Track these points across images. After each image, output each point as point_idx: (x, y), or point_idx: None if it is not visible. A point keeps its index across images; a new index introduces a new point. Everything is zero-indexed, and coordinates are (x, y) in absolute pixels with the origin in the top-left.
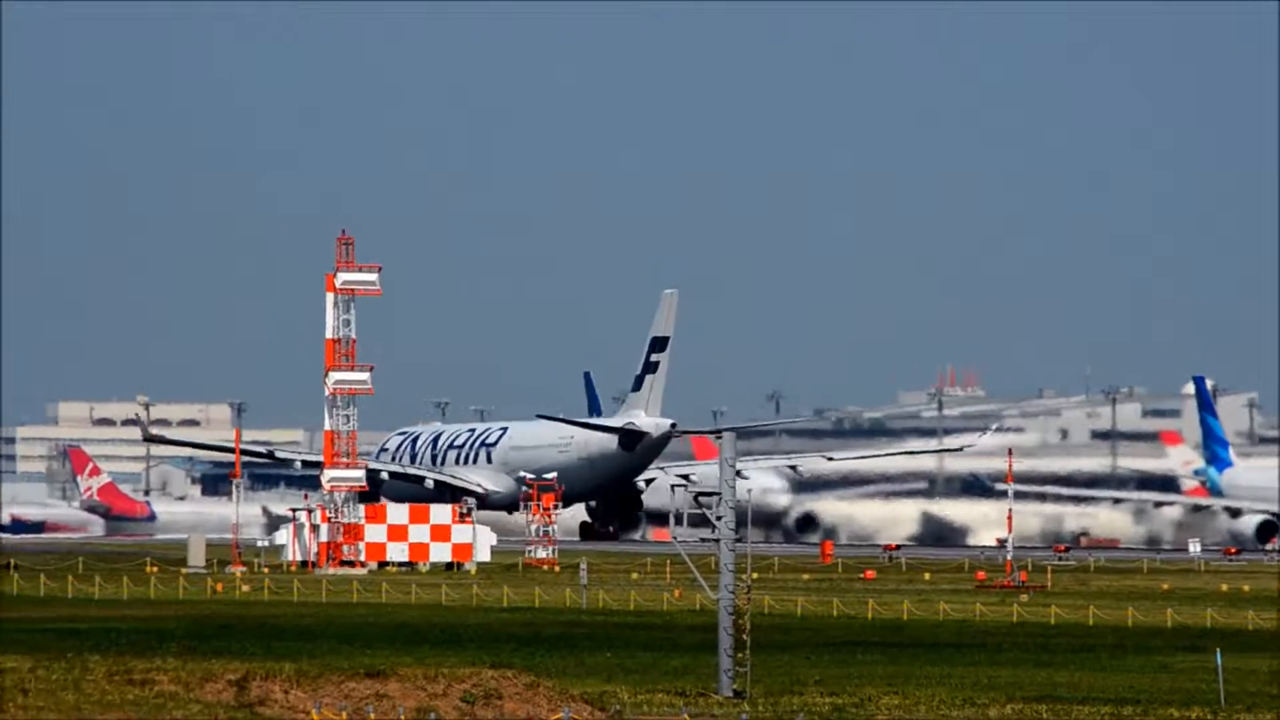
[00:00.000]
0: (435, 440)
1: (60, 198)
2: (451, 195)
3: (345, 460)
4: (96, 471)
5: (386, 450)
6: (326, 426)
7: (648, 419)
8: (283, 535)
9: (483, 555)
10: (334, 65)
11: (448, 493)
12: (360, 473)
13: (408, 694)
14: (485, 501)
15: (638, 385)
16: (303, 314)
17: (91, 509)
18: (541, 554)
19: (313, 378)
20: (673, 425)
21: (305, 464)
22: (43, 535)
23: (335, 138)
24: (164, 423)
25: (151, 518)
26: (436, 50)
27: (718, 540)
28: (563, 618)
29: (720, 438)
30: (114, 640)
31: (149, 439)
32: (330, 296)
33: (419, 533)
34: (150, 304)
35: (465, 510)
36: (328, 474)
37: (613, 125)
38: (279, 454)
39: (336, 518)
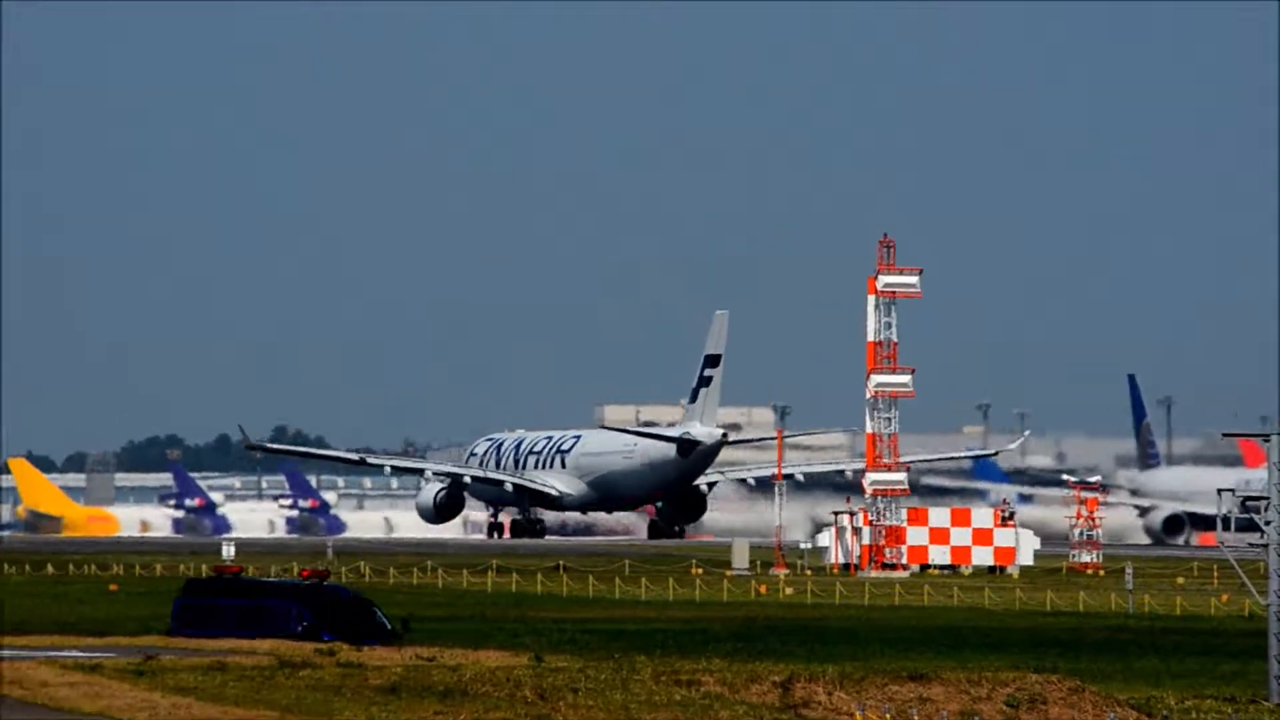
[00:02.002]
0: (518, 446)
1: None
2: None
3: (888, 463)
4: None
5: (475, 455)
6: (868, 429)
7: (702, 428)
8: (825, 538)
9: (1025, 559)
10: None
11: (526, 495)
12: (903, 476)
13: (951, 698)
14: (559, 503)
15: (693, 398)
16: (844, 316)
17: (639, 512)
18: (1085, 558)
19: (855, 380)
20: (724, 435)
21: (395, 469)
22: (591, 538)
23: (879, 142)
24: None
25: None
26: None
27: (1265, 545)
28: (1108, 622)
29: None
30: (660, 641)
31: (250, 448)
32: (871, 299)
33: (961, 536)
34: (685, 308)
35: (1008, 514)
36: (870, 477)
37: None
38: (370, 460)
39: (878, 521)
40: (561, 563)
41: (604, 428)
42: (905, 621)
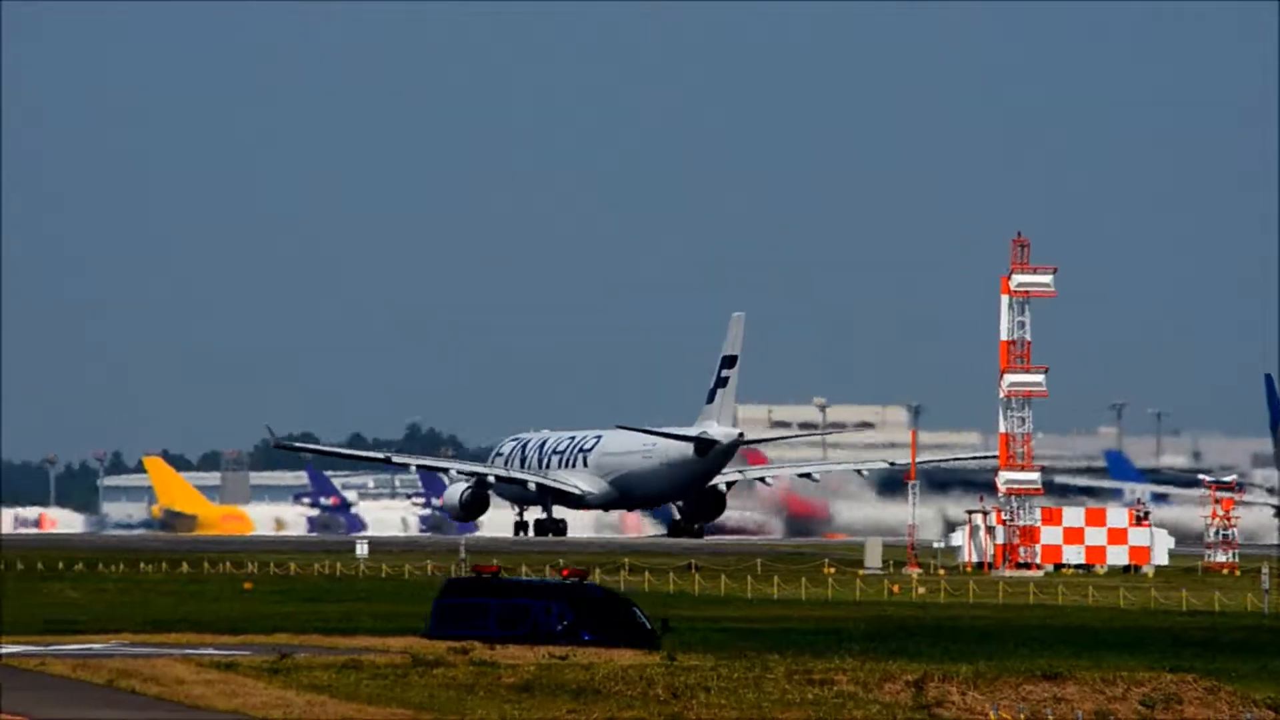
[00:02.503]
0: (541, 446)
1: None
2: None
3: (1021, 462)
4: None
5: (500, 455)
6: (1001, 429)
7: (719, 429)
8: (958, 537)
9: (1160, 558)
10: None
11: (549, 494)
12: (1036, 475)
13: (1085, 697)
14: (582, 502)
15: (710, 398)
16: (978, 315)
17: (773, 510)
18: (1221, 558)
19: (988, 380)
20: (740, 435)
21: (420, 468)
22: (726, 536)
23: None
24: (839, 425)
25: (829, 519)
26: None
27: None
28: (1243, 622)
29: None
30: (792, 640)
31: (278, 445)
32: (1005, 298)
33: (1095, 535)
34: (832, 306)
35: (1142, 514)
36: (1003, 476)
37: None
38: (395, 459)
39: (1012, 520)
40: (694, 561)
41: (621, 427)
42: (1039, 621)
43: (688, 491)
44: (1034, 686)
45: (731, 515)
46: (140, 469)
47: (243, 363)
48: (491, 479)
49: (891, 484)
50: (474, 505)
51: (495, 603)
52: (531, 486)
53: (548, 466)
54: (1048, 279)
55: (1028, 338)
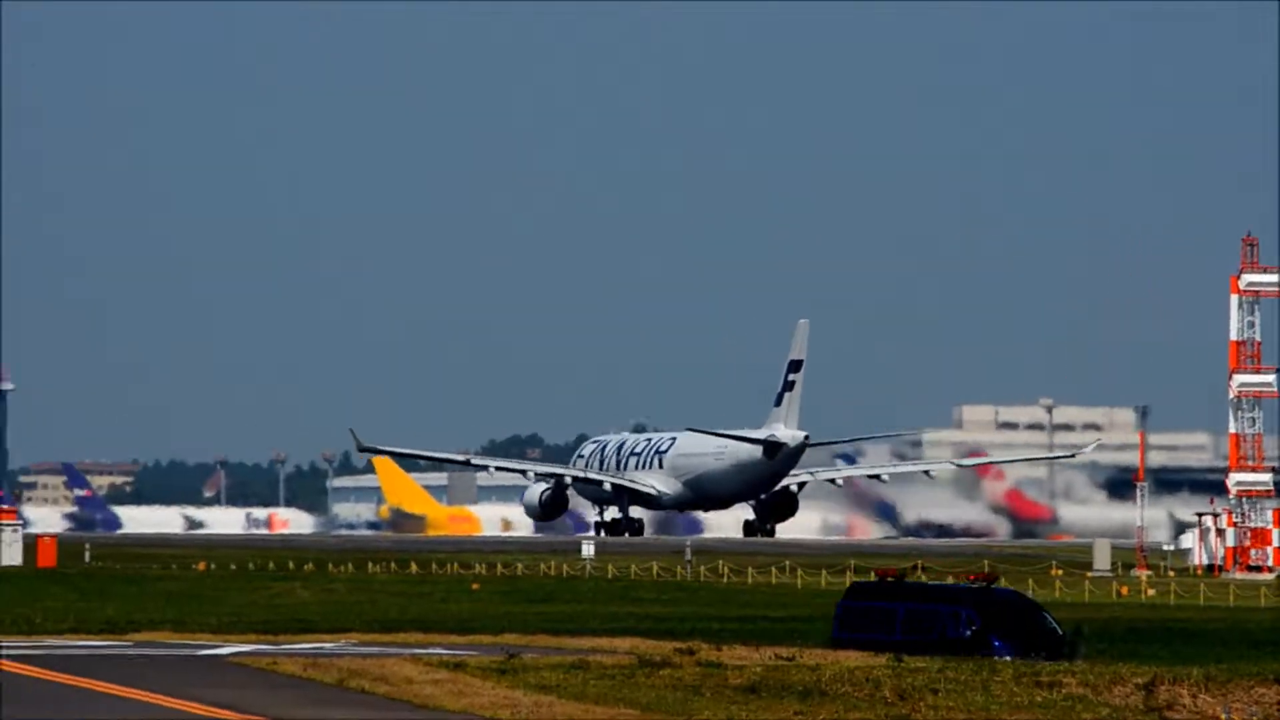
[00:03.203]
0: (620, 448)
1: None
2: None
3: (1252, 464)
4: (1000, 475)
5: (582, 456)
6: (1231, 429)
7: (786, 431)
8: (1188, 539)
9: None
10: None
11: (625, 494)
12: (1267, 477)
13: None
14: (658, 502)
15: (778, 402)
16: (1208, 316)
17: (997, 511)
18: None
19: (1217, 381)
20: (806, 437)
21: (500, 469)
22: (951, 539)
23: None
24: (1067, 427)
25: (1054, 521)
26: None
27: None
28: None
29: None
30: None
31: (362, 449)
32: (1234, 298)
33: None
34: (1049, 307)
35: None
36: (1234, 478)
37: None
38: (474, 460)
39: (1243, 522)
40: (919, 562)
41: (692, 430)
42: (1271, 624)
43: (757, 492)
44: (1267, 690)
45: (956, 516)
46: (369, 469)
47: (471, 362)
48: (568, 480)
49: (1119, 485)
50: (553, 506)
51: (901, 607)
52: (607, 487)
53: (625, 468)
54: (1275, 279)
55: (1258, 338)
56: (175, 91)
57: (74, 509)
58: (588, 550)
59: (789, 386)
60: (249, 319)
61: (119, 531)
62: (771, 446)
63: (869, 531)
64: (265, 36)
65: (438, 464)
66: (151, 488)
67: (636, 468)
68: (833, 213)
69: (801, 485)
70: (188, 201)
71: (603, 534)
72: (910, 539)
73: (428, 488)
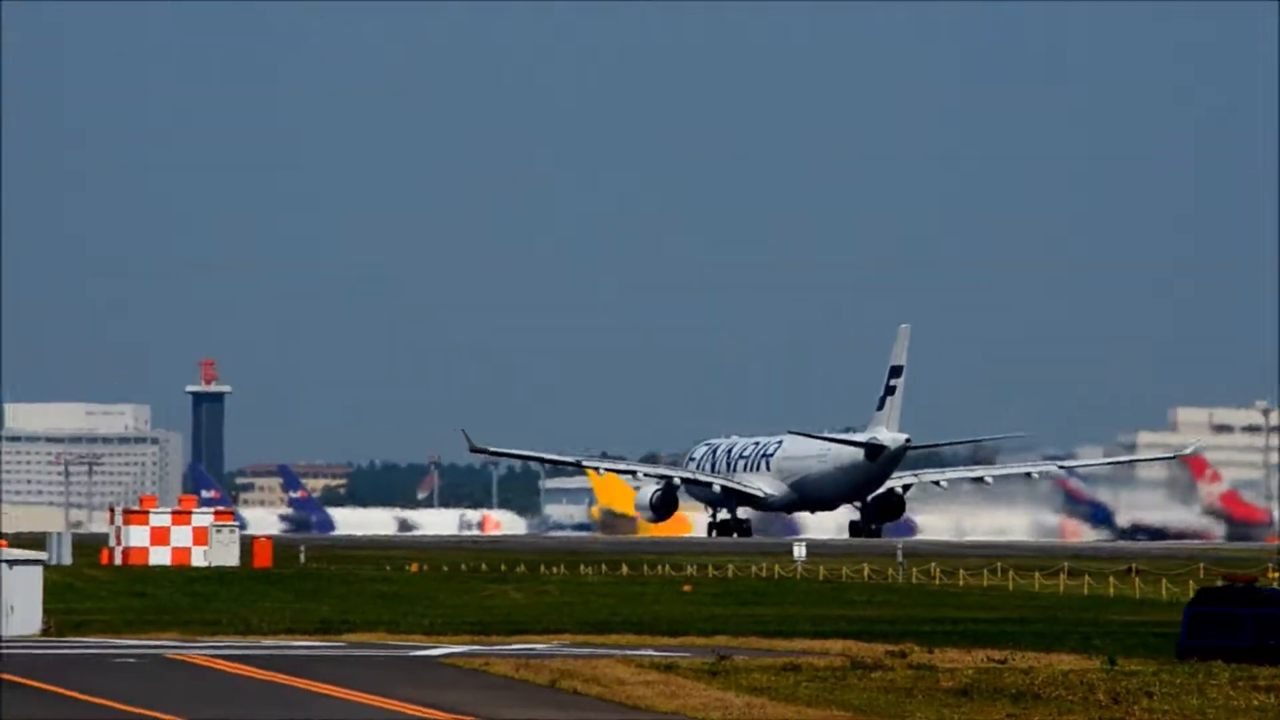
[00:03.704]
0: (729, 451)
1: None
2: None
3: None
4: (1216, 478)
5: (693, 459)
6: None
7: (888, 434)
8: None
9: None
10: None
11: (733, 496)
12: None
13: None
14: (765, 504)
15: (880, 405)
16: None
17: (1212, 514)
18: None
19: None
20: (907, 440)
21: (609, 472)
22: (1165, 542)
23: None
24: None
25: (1271, 523)
26: None
27: None
28: None
29: None
30: None
31: (474, 450)
32: None
33: None
34: (1266, 308)
35: None
36: None
37: None
38: (585, 463)
39: None
40: (1133, 565)
41: (793, 433)
42: None
43: (861, 493)
44: None
45: (1170, 518)
46: (580, 471)
47: (681, 364)
48: (677, 481)
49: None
50: (663, 506)
51: (1252, 612)
52: (716, 488)
53: (734, 470)
54: None
55: None
56: (190, 92)
57: (289, 510)
58: (799, 552)
59: (890, 391)
60: (459, 324)
61: (333, 533)
62: (873, 449)
63: (1081, 534)
64: (283, 36)
65: (552, 465)
66: (365, 489)
67: (745, 470)
68: (1000, 208)
69: (906, 487)
70: (402, 214)
71: (713, 534)
72: (1123, 541)
73: (639, 489)
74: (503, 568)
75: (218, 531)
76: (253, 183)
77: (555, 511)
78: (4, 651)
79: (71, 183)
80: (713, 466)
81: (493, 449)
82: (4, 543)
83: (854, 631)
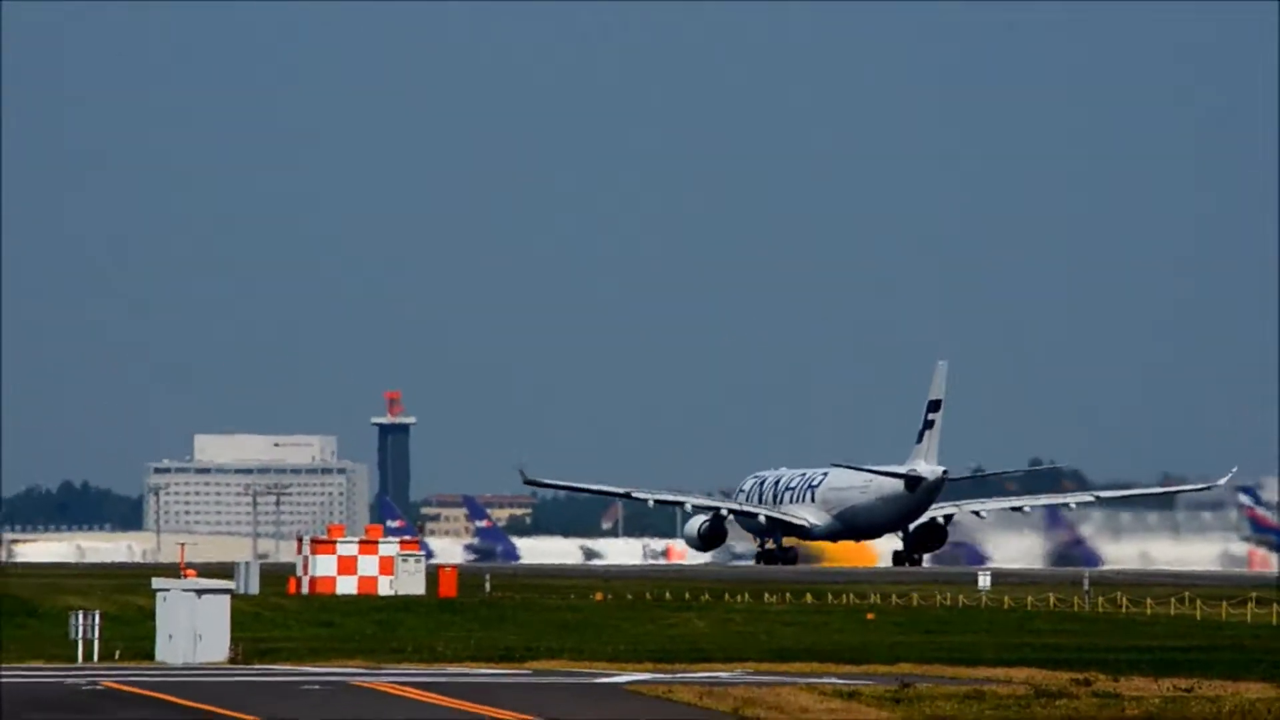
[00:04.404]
0: (777, 483)
1: None
2: None
3: None
4: None
5: (743, 491)
6: None
7: (926, 466)
8: None
9: None
10: None
11: (778, 526)
12: None
13: None
14: (809, 533)
15: (920, 439)
16: None
17: None
18: None
19: None
20: (944, 472)
21: (658, 503)
22: None
23: None
24: None
25: None
26: None
27: None
28: None
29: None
30: None
31: (527, 482)
32: None
33: None
34: None
35: None
36: None
37: None
38: (635, 494)
39: None
40: None
41: (836, 465)
42: None
43: (901, 523)
44: None
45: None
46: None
47: (848, 391)
48: (724, 512)
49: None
50: (711, 537)
51: None
52: (762, 519)
53: (781, 501)
54: None
55: None
56: (204, 92)
57: (474, 540)
58: (984, 581)
59: (929, 425)
60: (650, 359)
61: (517, 562)
62: (912, 480)
63: (1270, 564)
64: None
65: (602, 495)
66: (549, 519)
67: (791, 501)
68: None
69: (948, 517)
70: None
71: (760, 563)
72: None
73: None
74: (686, 596)
75: (404, 561)
76: (437, 218)
77: (739, 542)
78: (191, 679)
79: (256, 217)
80: (760, 498)
81: (544, 481)
82: (193, 573)
83: (1039, 660)
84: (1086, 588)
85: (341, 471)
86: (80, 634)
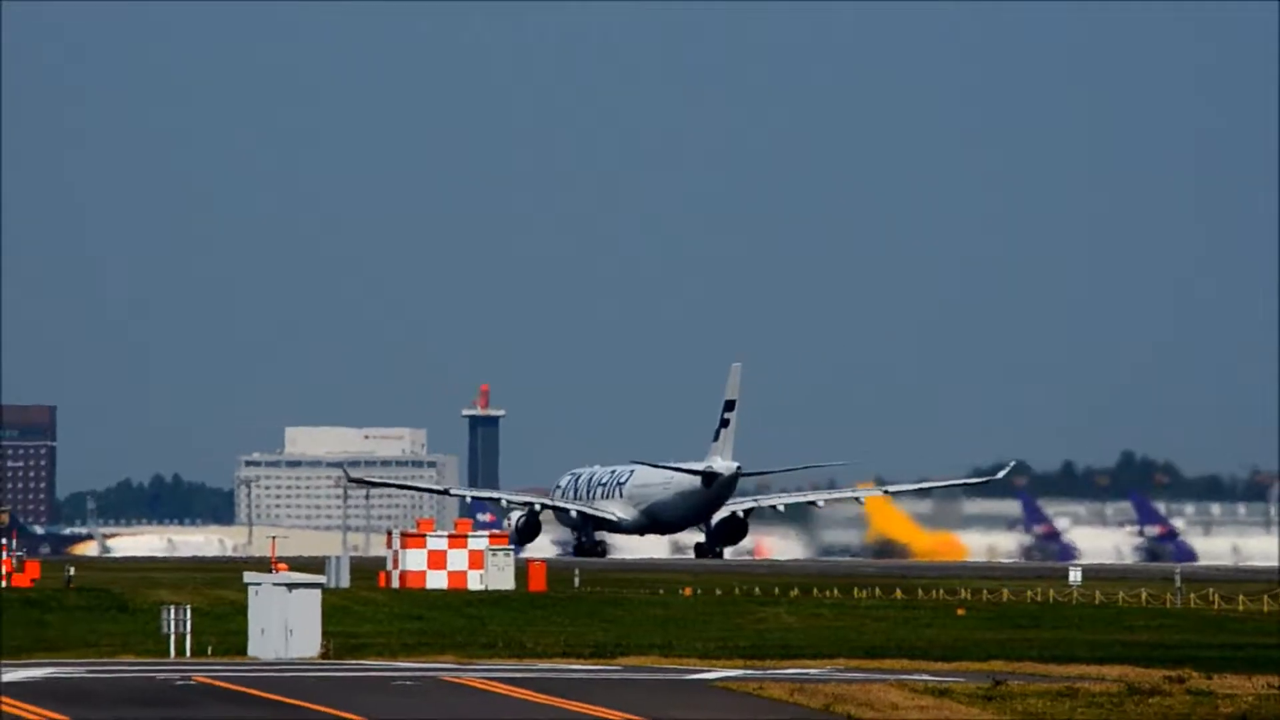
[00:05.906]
0: (590, 479)
1: None
2: None
3: None
4: None
5: (559, 487)
6: None
7: (722, 463)
8: None
9: None
10: None
11: (589, 520)
12: None
13: None
14: (618, 527)
15: (716, 437)
16: None
17: None
18: None
19: None
20: (738, 468)
21: (510, 504)
22: None
23: None
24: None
25: None
26: None
27: None
28: None
29: None
30: None
31: (352, 481)
32: None
33: None
34: None
35: None
36: None
37: None
38: (453, 491)
39: None
40: None
41: (637, 463)
42: None
43: (702, 517)
44: None
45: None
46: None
47: (957, 392)
48: (538, 507)
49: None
50: (527, 531)
51: None
52: (573, 514)
53: (593, 497)
54: None
55: None
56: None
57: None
58: (1075, 576)
59: (724, 424)
60: (729, 344)
61: (608, 557)
62: (708, 477)
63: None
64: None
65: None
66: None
67: (602, 497)
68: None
69: (748, 511)
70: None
71: (575, 555)
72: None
73: (911, 515)
74: (775, 591)
75: (494, 555)
76: (530, 214)
77: (829, 536)
78: (283, 674)
79: (349, 211)
80: (575, 494)
81: (368, 479)
82: (284, 566)
83: (1132, 656)
84: (1178, 584)
85: (432, 464)
86: (172, 628)
